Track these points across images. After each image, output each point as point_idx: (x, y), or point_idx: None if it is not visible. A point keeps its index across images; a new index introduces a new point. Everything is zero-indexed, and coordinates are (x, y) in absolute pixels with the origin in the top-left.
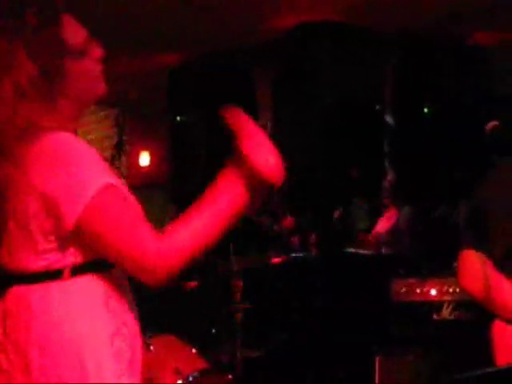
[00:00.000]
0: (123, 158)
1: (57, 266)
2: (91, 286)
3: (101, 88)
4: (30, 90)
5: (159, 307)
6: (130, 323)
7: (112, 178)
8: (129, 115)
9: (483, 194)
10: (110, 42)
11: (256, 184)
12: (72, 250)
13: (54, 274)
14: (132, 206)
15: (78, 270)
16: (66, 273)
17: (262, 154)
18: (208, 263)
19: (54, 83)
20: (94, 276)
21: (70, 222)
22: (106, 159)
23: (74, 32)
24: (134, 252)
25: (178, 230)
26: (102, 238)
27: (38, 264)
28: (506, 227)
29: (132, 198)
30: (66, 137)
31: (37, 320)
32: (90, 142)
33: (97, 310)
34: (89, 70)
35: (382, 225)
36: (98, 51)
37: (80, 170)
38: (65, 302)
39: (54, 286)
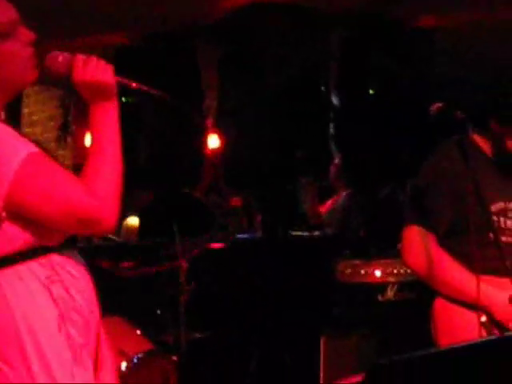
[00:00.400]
0: (69, 139)
1: None
2: (29, 274)
3: (30, 74)
4: None
5: (104, 289)
6: (82, 308)
7: (29, 146)
8: (74, 96)
9: (426, 171)
10: (55, 23)
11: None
12: (7, 238)
13: None
14: (59, 168)
15: (14, 259)
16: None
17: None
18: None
19: None
20: (33, 263)
21: None
22: (51, 140)
23: None
24: (78, 209)
25: (97, 175)
26: (40, 207)
27: None
28: (447, 204)
29: (53, 161)
30: None
31: None
32: (34, 123)
33: (37, 297)
34: (15, 53)
35: (327, 206)
36: (27, 34)
37: None
38: (2, 291)
39: None
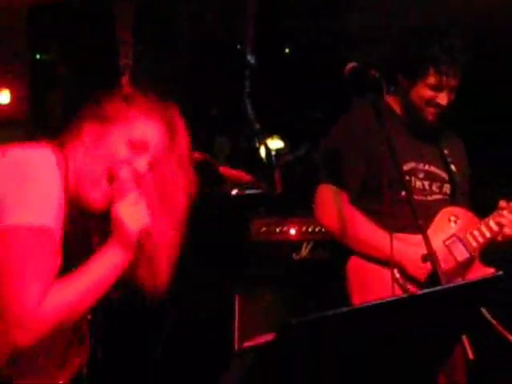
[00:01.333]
0: None
1: None
2: None
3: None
4: None
5: None
6: None
7: (47, 221)
8: None
9: (338, 131)
10: None
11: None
12: None
13: None
14: (39, 259)
15: None
16: None
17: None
18: None
19: None
20: None
21: None
22: None
23: None
24: (14, 306)
25: (57, 293)
26: None
27: None
28: (360, 163)
29: (49, 249)
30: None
31: None
32: None
33: None
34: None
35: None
36: (142, 165)
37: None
38: None
39: None
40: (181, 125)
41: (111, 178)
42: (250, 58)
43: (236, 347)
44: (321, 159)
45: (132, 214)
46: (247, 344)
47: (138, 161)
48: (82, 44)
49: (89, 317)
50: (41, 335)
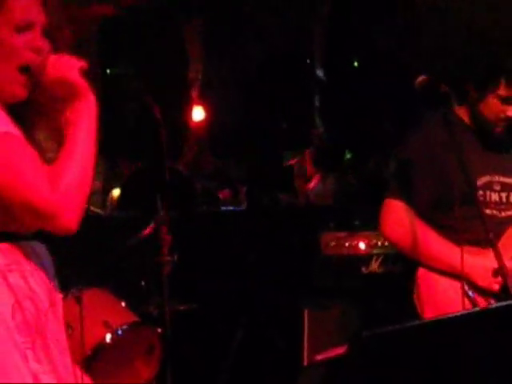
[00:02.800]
0: None
1: None
2: None
3: (18, 88)
4: None
5: (90, 261)
6: (39, 300)
7: (9, 126)
8: None
9: (411, 145)
10: None
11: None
12: None
13: None
14: (29, 155)
15: None
16: None
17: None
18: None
19: None
20: None
21: None
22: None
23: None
24: (34, 200)
25: (62, 170)
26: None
27: None
28: (431, 178)
29: (29, 147)
30: None
31: None
32: None
33: None
34: (13, 46)
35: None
36: (38, 41)
37: None
38: None
39: None
40: None
41: (22, 68)
42: (319, 72)
43: (305, 360)
44: (392, 173)
45: (66, 65)
46: (318, 357)
47: (34, 37)
48: (153, 59)
49: (159, 329)
50: (74, 210)
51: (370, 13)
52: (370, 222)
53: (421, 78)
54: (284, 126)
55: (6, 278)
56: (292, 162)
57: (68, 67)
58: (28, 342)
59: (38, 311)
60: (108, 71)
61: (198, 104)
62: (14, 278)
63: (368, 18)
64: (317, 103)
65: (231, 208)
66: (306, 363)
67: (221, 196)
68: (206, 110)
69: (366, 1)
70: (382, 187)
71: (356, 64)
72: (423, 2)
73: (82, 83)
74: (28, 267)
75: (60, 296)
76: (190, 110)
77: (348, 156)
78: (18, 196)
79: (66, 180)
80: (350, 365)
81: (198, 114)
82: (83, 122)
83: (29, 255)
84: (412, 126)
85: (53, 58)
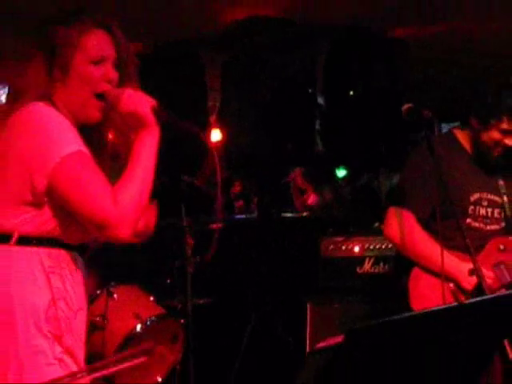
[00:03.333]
0: None
1: (7, 229)
2: (35, 258)
3: (92, 111)
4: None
5: (123, 261)
6: (71, 302)
7: (81, 145)
8: None
9: (407, 172)
10: None
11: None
12: (28, 219)
13: (2, 237)
14: (96, 172)
15: (27, 240)
16: (14, 239)
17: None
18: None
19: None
20: (42, 250)
21: (40, 184)
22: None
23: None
24: (99, 211)
25: (124, 189)
26: (69, 197)
27: None
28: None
29: (97, 166)
30: (38, 108)
31: None
32: None
33: (38, 278)
34: (89, 77)
35: (312, 198)
36: (110, 72)
37: (48, 138)
38: (5, 265)
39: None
40: (116, 28)
41: (98, 95)
42: (320, 100)
43: (308, 348)
44: (394, 191)
45: (140, 101)
46: (320, 345)
47: (107, 70)
48: (175, 89)
49: (182, 320)
50: (130, 224)
51: (365, 56)
52: (363, 228)
53: (406, 106)
54: (289, 146)
55: (48, 278)
56: (289, 178)
57: (142, 102)
58: (56, 335)
59: (68, 311)
60: None
61: (215, 127)
62: (54, 280)
63: (363, 59)
64: (317, 126)
65: (244, 216)
66: (308, 351)
67: (236, 205)
68: (223, 132)
69: (362, 45)
70: (372, 199)
71: (352, 93)
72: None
73: (151, 118)
74: (67, 272)
75: (87, 301)
76: (209, 132)
77: (343, 172)
78: (85, 207)
79: (127, 198)
80: (346, 353)
81: (216, 135)
82: (146, 150)
83: (69, 262)
84: (401, 147)
85: (129, 91)
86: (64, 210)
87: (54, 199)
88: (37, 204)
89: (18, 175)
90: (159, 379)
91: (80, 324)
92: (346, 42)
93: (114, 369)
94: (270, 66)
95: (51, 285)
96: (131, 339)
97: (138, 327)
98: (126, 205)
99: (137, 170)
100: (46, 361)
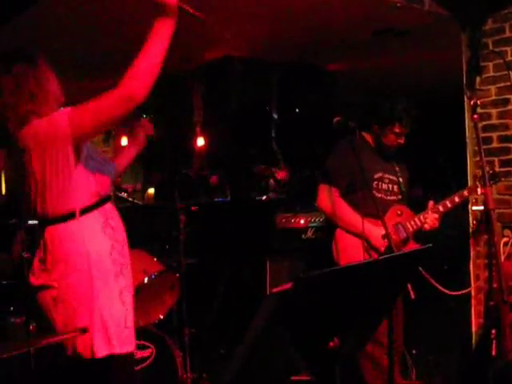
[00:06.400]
0: (111, 140)
1: (70, 209)
2: (92, 221)
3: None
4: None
5: (134, 232)
6: (120, 239)
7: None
8: None
9: (332, 159)
10: (68, 69)
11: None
12: (79, 197)
13: (69, 216)
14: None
15: (85, 210)
16: (77, 214)
17: None
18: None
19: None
20: (95, 213)
21: (67, 141)
22: (100, 141)
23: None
24: (123, 90)
25: (139, 63)
26: (97, 112)
27: (59, 210)
28: (345, 176)
29: None
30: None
31: (62, 245)
32: None
33: (98, 236)
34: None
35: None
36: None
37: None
38: (78, 233)
39: (70, 223)
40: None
41: None
42: (274, 115)
43: (267, 293)
44: (321, 173)
45: None
46: (274, 290)
47: None
48: (170, 108)
49: (177, 275)
50: (145, 86)
51: (307, 82)
52: (306, 207)
53: (336, 118)
54: (252, 150)
55: (104, 229)
56: (259, 169)
57: None
58: (118, 270)
59: (121, 253)
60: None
61: (200, 136)
62: (108, 230)
63: (306, 85)
64: (273, 134)
65: (220, 199)
66: (266, 294)
67: (211, 181)
68: (205, 139)
69: (305, 75)
70: (312, 187)
71: (297, 110)
72: (342, 75)
73: (175, 7)
74: (114, 223)
75: (127, 241)
76: (195, 139)
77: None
78: (112, 97)
79: (143, 68)
80: (294, 295)
81: (201, 141)
82: (164, 31)
83: (114, 214)
84: (331, 147)
85: None
86: (97, 166)
87: (88, 134)
88: (81, 178)
89: (55, 163)
90: (161, 316)
91: (127, 266)
92: (293, 72)
93: (57, 338)
94: (237, 91)
95: (108, 234)
96: (141, 289)
97: (146, 280)
98: (142, 75)
99: (150, 46)
100: (109, 292)
